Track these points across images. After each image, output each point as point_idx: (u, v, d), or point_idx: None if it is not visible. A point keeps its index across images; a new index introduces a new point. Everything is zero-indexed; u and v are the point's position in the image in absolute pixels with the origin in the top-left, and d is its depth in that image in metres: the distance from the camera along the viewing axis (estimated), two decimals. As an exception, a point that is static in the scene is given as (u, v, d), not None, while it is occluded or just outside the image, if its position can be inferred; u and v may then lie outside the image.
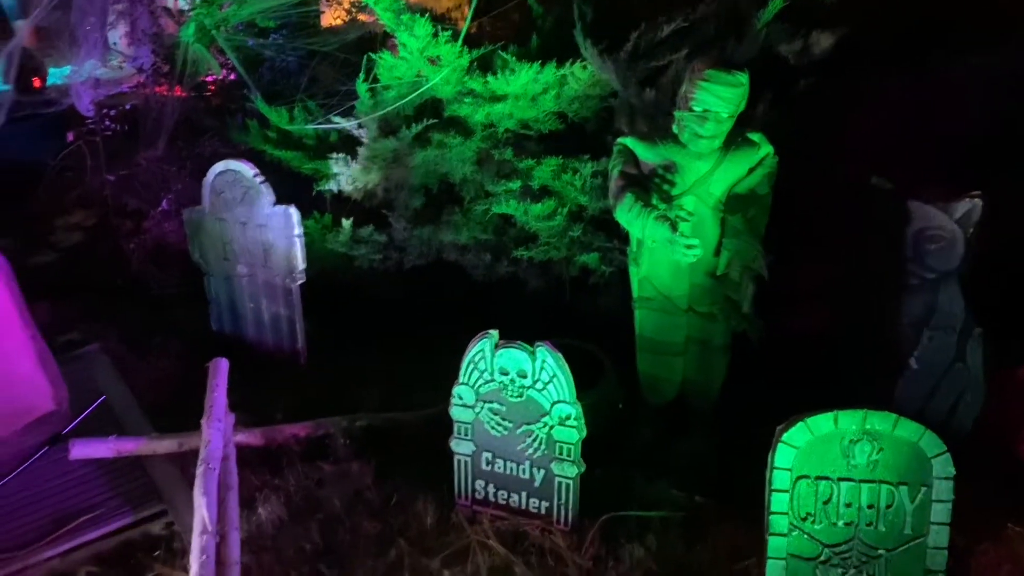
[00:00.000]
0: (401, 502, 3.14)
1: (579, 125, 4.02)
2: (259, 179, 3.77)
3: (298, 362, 4.06)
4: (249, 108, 4.74)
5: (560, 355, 2.77)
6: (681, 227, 2.85)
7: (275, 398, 3.79)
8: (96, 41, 6.88)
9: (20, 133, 6.12)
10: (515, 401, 2.87)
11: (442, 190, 4.13)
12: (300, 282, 3.90)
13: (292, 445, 3.46)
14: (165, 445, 3.30)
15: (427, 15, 3.55)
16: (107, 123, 5.93)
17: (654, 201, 2.97)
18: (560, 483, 2.90)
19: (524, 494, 2.98)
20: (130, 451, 3.27)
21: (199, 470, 3.02)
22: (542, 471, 2.91)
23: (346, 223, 3.96)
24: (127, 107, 6.00)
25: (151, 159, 5.75)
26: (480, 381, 2.90)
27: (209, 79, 5.10)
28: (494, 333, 2.86)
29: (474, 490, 3.06)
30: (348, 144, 4.13)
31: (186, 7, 5.05)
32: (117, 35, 6.82)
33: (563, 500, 2.91)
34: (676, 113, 2.96)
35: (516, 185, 3.90)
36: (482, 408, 2.93)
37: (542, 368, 2.79)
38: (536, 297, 4.09)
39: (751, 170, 3.00)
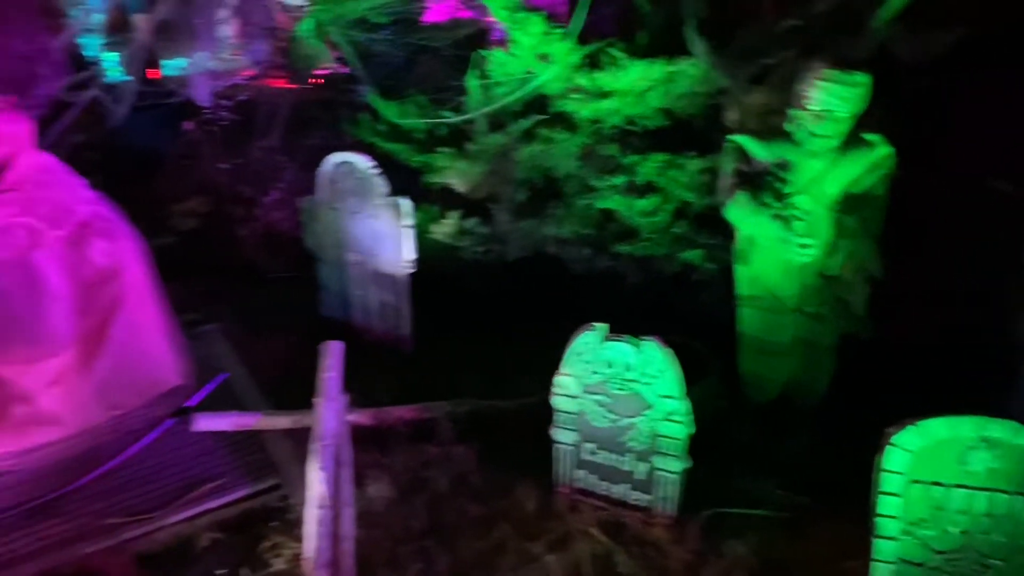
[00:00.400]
0: (503, 486, 3.22)
1: (685, 121, 4.03)
2: (373, 171, 3.91)
3: (403, 348, 4.19)
4: (358, 101, 4.91)
5: (669, 350, 2.80)
6: (795, 226, 2.84)
7: (381, 381, 3.93)
8: (210, 34, 7.20)
9: (142, 122, 6.47)
10: (620, 393, 2.92)
11: (545, 184, 4.19)
12: (408, 271, 4.02)
13: (399, 427, 3.58)
14: (281, 421, 3.47)
15: (541, 13, 3.61)
16: (222, 113, 6.22)
17: (767, 199, 2.96)
18: (663, 477, 2.93)
19: (626, 486, 3.02)
20: (248, 426, 3.45)
21: (315, 446, 3.18)
22: (645, 464, 2.95)
23: (452, 215, 4.07)
24: (241, 98, 6.29)
25: (263, 149, 6.01)
26: (585, 372, 2.96)
27: (321, 73, 5.28)
28: (601, 325, 2.91)
29: (575, 479, 3.12)
30: (456, 138, 4.24)
31: (303, 3, 5.24)
32: (227, 28, 7.12)
33: (665, 494, 2.95)
34: (792, 111, 2.94)
35: (620, 180, 3.94)
36: (586, 399, 2.99)
37: (649, 362, 2.82)
38: (635, 292, 4.11)
39: (867, 171, 2.96)
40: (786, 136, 2.99)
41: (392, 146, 4.35)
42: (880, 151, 2.95)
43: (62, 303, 3.06)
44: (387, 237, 3.99)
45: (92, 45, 9.21)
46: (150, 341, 3.32)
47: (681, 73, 3.75)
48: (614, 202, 3.97)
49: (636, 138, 4.02)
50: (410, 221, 3.91)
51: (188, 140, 6.43)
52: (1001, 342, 3.12)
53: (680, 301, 3.99)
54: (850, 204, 2.96)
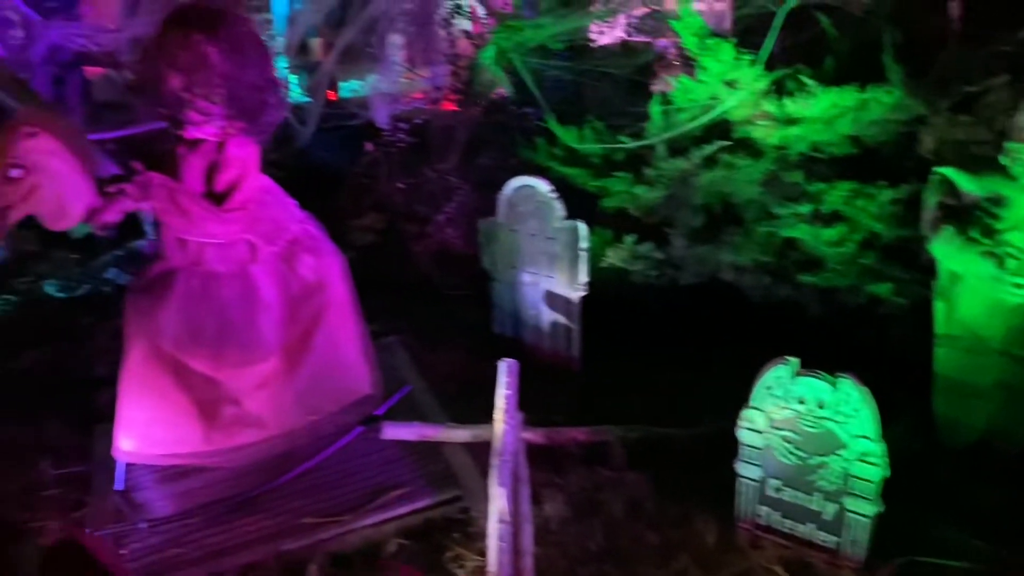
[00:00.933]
0: (680, 516, 3.20)
1: (874, 149, 3.90)
2: (552, 195, 4.00)
3: (572, 368, 4.25)
4: (530, 125, 5.03)
5: (866, 389, 2.71)
6: (1009, 264, 2.69)
7: (550, 401, 3.99)
8: (389, 59, 7.56)
9: (324, 142, 6.88)
10: (811, 431, 2.84)
11: (723, 209, 4.15)
12: (582, 293, 4.08)
13: (572, 448, 3.64)
14: (461, 435, 3.59)
15: (731, 40, 3.60)
16: (399, 135, 6.52)
17: (976, 235, 2.82)
18: (853, 519, 2.83)
19: (812, 525, 2.94)
20: (431, 437, 3.59)
21: (494, 461, 3.27)
22: (834, 505, 2.86)
23: (628, 239, 4.10)
24: (417, 121, 6.57)
25: (437, 169, 6.26)
26: (774, 407, 2.91)
27: (495, 97, 5.44)
28: (793, 360, 2.85)
29: (757, 514, 3.06)
30: (633, 163, 4.27)
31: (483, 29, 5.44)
32: (406, 53, 7.47)
33: (855, 537, 2.84)
34: (1008, 144, 2.80)
35: (806, 209, 3.85)
36: (773, 434, 2.93)
37: (845, 401, 2.74)
38: (816, 324, 4.00)
39: (1092, 207, 2.77)
40: (998, 168, 2.84)
41: (568, 170, 4.43)
42: (1106, 187, 2.75)
43: (272, 313, 3.29)
44: (563, 259, 4.06)
45: (279, 67, 9.83)
46: (347, 352, 3.52)
47: (873, 100, 3.63)
48: (798, 231, 3.89)
49: (822, 165, 3.92)
50: (586, 244, 3.97)
51: (367, 160, 6.78)
52: None
53: (865, 336, 3.84)
54: (1070, 243, 2.78)
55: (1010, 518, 3.02)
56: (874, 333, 3.85)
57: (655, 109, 3.95)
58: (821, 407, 2.79)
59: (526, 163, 5.09)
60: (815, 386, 2.79)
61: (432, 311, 4.98)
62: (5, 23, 7.39)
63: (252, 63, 2.91)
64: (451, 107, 6.42)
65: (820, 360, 2.88)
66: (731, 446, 3.10)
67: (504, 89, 5.12)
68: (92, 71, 9.20)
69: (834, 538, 2.89)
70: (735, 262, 4.08)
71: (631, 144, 4.09)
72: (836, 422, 2.77)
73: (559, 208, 4.00)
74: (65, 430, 3.96)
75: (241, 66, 2.87)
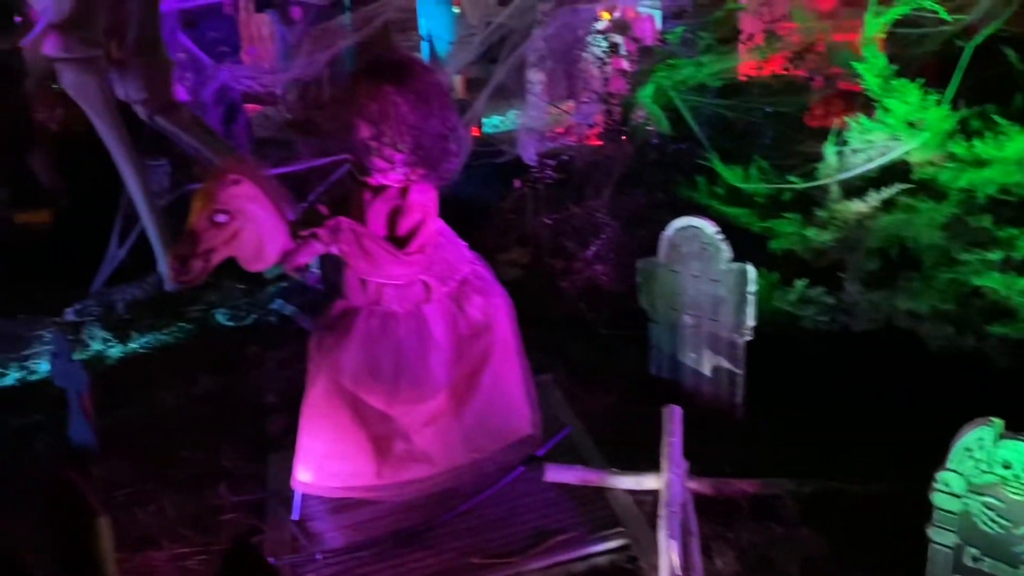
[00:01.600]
0: (862, 580, 3.04)
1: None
2: (719, 236, 3.92)
3: (734, 415, 4.13)
4: (690, 164, 4.97)
5: (1083, 456, 2.50)
6: None
7: (712, 449, 3.87)
8: (534, 95, 7.65)
9: (470, 177, 7.02)
10: (1017, 499, 2.64)
11: (900, 254, 3.95)
12: (748, 338, 3.97)
13: (739, 500, 3.52)
14: (625, 481, 3.54)
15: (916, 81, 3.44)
16: (547, 171, 6.58)
17: None
18: (1069, 601, 2.60)
19: (1016, 602, 2.72)
20: (593, 482, 3.56)
21: (663, 512, 3.20)
22: (1043, 580, 2.64)
23: (799, 283, 3.96)
24: (564, 157, 6.62)
25: (585, 206, 6.27)
26: (974, 471, 2.71)
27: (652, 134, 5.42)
28: (997, 421, 2.66)
29: (951, 583, 2.86)
30: (800, 204, 4.14)
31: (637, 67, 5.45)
32: (557, 90, 7.56)
33: (1070, 620, 2.61)
34: None
35: (996, 256, 3.61)
36: (973, 500, 2.74)
37: (1060, 469, 2.53)
38: (1005, 378, 3.73)
39: None
40: None
41: (731, 210, 4.34)
42: None
43: (442, 352, 3.36)
44: (728, 302, 3.97)
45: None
46: (511, 391, 3.54)
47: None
48: (988, 279, 3.65)
49: (1011, 209, 3.68)
50: (754, 288, 3.86)
51: (513, 195, 6.87)
52: None
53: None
54: None
55: None
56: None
57: (829, 149, 3.82)
58: (1031, 474, 2.59)
59: (678, 201, 5.04)
60: (1023, 451, 2.59)
61: (584, 349, 4.96)
62: (179, 66, 7.97)
63: (436, 113, 3.00)
64: (597, 143, 6.45)
65: (1009, 417, 2.68)
66: (915, 506, 2.91)
67: (660, 127, 5.07)
68: (251, 108, 9.80)
69: (1046, 620, 2.66)
70: (913, 309, 3.87)
71: (803, 184, 3.96)
72: (1050, 492, 2.56)
73: (726, 250, 3.92)
74: (240, 456, 4.15)
75: (427, 116, 2.97)
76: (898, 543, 3.02)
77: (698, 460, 3.76)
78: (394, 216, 3.13)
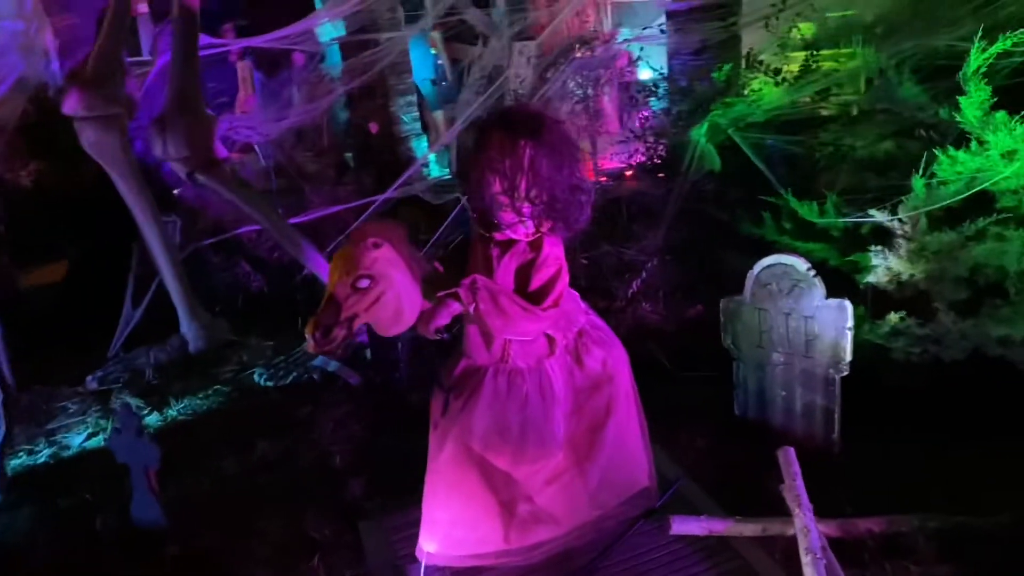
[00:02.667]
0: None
1: None
2: (811, 272, 3.90)
3: (831, 452, 4.08)
4: (746, 199, 4.97)
5: None
6: None
7: (817, 487, 3.80)
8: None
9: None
10: None
11: (987, 281, 3.98)
12: (844, 373, 3.94)
13: (867, 539, 3.46)
14: (751, 528, 3.46)
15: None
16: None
17: None
18: None
19: None
20: (720, 531, 3.47)
21: (807, 559, 3.14)
22: None
23: (893, 316, 3.95)
24: (609, 195, 6.58)
25: (619, 245, 6.24)
26: None
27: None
28: None
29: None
30: (880, 236, 4.15)
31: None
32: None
33: None
34: None
35: (1090, 280, 3.66)
36: None
37: None
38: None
39: None
40: None
41: (808, 245, 4.33)
42: None
43: (563, 406, 3.25)
44: (824, 338, 3.94)
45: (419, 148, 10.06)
46: (632, 444, 3.44)
47: None
48: (1075, 302, 3.70)
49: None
50: (851, 323, 3.84)
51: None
52: None
53: None
54: None
55: None
56: None
57: (918, 183, 3.84)
58: None
59: (735, 237, 5.04)
60: None
61: (661, 392, 4.87)
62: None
63: (568, 164, 2.92)
64: (633, 183, 6.44)
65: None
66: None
67: (711, 164, 5.07)
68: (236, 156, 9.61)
69: None
70: (1007, 336, 3.89)
71: (884, 218, 3.97)
72: None
73: (820, 286, 3.90)
74: (325, 525, 3.96)
75: (559, 168, 2.89)
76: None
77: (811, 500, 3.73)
78: (525, 271, 3.02)
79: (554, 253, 3.02)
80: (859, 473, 3.93)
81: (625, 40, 7.42)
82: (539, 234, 3.01)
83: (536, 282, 3.01)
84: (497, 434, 3.12)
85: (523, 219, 2.96)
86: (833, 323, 3.89)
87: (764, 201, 4.62)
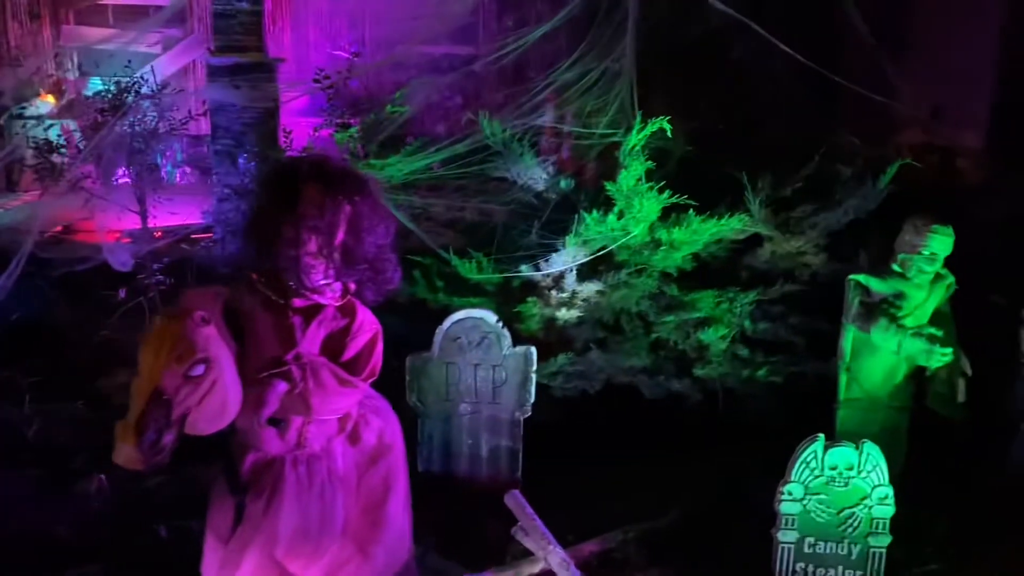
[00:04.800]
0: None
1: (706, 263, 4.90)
2: (500, 324, 4.18)
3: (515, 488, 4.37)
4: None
5: (878, 447, 3.55)
6: (937, 338, 3.80)
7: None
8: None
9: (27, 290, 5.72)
10: (840, 490, 3.58)
11: (614, 321, 4.75)
12: (528, 414, 4.29)
13: (591, 561, 3.83)
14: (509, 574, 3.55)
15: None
16: (157, 277, 5.77)
17: (903, 322, 3.89)
18: (874, 553, 3.62)
19: (840, 567, 3.64)
20: (483, 587, 3.47)
21: (581, 593, 3.36)
22: (858, 545, 3.61)
23: (562, 357, 4.44)
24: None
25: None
26: (809, 477, 3.58)
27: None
28: (821, 436, 3.57)
29: (794, 571, 3.66)
30: (529, 289, 4.65)
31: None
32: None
33: (875, 567, 3.62)
34: (901, 256, 3.94)
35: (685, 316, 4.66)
36: (809, 500, 3.60)
37: (866, 459, 3.54)
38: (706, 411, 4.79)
39: (943, 294, 4.06)
40: (894, 274, 3.97)
41: (466, 300, 4.59)
42: (949, 279, 4.06)
43: (348, 489, 2.94)
44: (510, 384, 4.24)
45: None
46: (406, 517, 3.24)
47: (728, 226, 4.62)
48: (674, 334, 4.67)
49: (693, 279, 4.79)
50: (535, 366, 4.22)
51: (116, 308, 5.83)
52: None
53: (747, 413, 4.74)
54: (937, 320, 4.01)
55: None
56: (745, 409, 4.78)
57: (572, 240, 4.42)
58: (850, 468, 3.54)
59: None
60: (845, 453, 3.54)
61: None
62: None
63: (384, 223, 2.70)
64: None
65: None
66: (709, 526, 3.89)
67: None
68: None
69: (859, 572, 3.63)
70: (632, 365, 4.69)
71: (544, 271, 4.47)
72: (861, 478, 3.55)
73: (507, 336, 4.19)
74: None
75: (376, 227, 2.66)
76: (736, 552, 3.74)
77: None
78: (337, 339, 2.68)
79: (368, 318, 2.74)
80: (549, 504, 4.29)
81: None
82: (347, 298, 2.70)
83: (351, 350, 2.70)
84: (302, 535, 2.69)
85: (331, 282, 2.64)
86: (519, 369, 4.22)
87: (412, 261, 4.75)
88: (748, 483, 4.24)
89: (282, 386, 2.48)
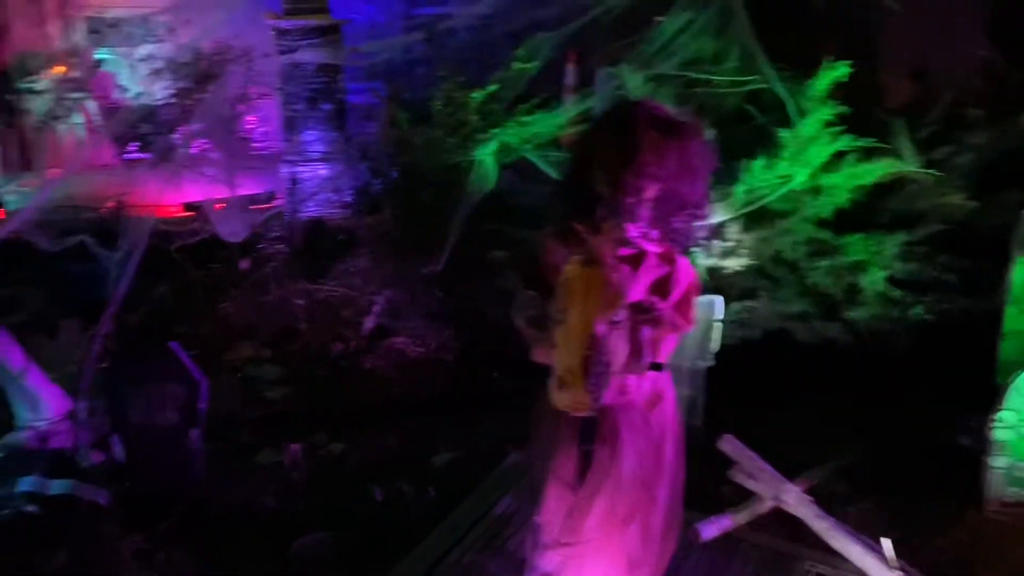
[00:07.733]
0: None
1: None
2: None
3: (694, 438, 4.45)
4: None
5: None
6: None
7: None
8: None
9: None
10: (1053, 417, 3.74)
11: (774, 266, 4.83)
12: (711, 363, 4.36)
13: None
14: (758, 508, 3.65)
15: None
16: (275, 247, 5.70)
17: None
18: (1080, 474, 3.80)
19: (1054, 489, 3.82)
20: (743, 523, 3.58)
21: (822, 524, 3.47)
22: (1064, 466, 3.80)
23: (735, 306, 4.51)
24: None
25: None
26: (1023, 405, 3.73)
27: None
28: (1031, 364, 3.72)
29: (1006, 496, 3.82)
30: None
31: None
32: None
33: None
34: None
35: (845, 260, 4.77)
36: (1022, 426, 3.75)
37: (1076, 386, 3.71)
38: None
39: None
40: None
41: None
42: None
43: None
44: (694, 334, 4.29)
45: None
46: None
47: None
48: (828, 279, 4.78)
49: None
50: (721, 316, 4.28)
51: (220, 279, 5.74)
52: None
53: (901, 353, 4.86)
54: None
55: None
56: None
57: (739, 188, 4.47)
58: (1062, 396, 3.70)
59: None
60: (1057, 380, 3.70)
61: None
62: None
63: (704, 173, 2.70)
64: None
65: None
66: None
67: (486, 184, 4.94)
68: None
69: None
70: (786, 312, 4.78)
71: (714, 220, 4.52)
72: (1072, 405, 3.72)
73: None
74: None
75: (701, 176, 2.67)
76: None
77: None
78: (661, 285, 2.68)
79: (685, 264, 2.75)
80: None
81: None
82: (666, 245, 2.71)
83: (676, 295, 2.71)
84: (640, 483, 2.73)
85: (648, 231, 2.65)
86: (705, 318, 4.27)
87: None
88: (923, 419, 4.40)
89: (648, 331, 2.49)
